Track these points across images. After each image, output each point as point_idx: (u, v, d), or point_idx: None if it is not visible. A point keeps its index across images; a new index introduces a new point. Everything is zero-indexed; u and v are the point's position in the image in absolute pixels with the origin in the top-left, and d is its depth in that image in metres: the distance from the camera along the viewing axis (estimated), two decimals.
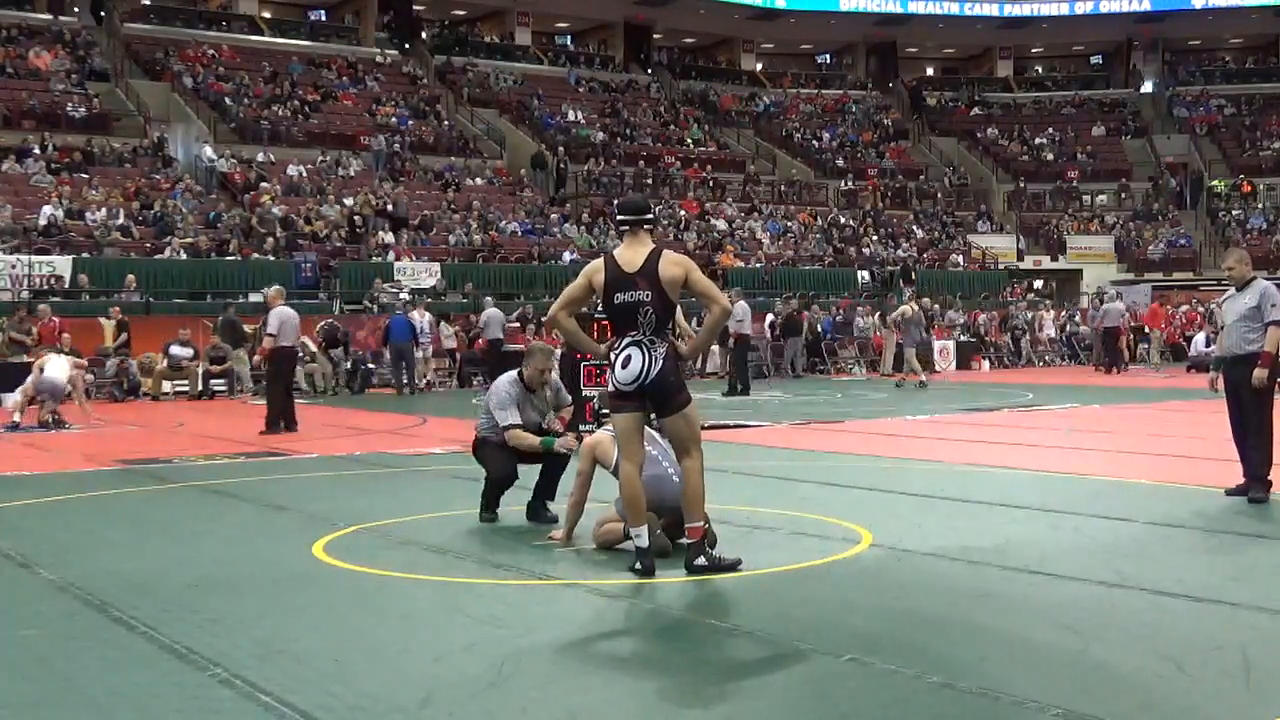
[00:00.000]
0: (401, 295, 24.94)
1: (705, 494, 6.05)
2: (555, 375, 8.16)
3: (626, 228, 6.21)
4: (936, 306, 28.21)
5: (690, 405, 6.09)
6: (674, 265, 6.01)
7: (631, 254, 6.08)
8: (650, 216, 6.35)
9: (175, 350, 20.29)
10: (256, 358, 19.18)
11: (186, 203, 27.28)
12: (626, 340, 6.02)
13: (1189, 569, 6.05)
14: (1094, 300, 31.58)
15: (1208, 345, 24.39)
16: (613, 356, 6.09)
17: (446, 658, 4.61)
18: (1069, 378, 24.70)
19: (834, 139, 44.20)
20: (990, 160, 45.30)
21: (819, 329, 27.18)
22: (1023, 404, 17.48)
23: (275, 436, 13.64)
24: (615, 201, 31.90)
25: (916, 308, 22.77)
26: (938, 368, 26.75)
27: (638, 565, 5.93)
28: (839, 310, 29.30)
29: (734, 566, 5.99)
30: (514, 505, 8.21)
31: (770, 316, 26.06)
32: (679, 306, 6.57)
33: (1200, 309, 30.88)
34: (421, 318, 22.18)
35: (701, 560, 5.95)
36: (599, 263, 6.21)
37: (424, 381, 22.22)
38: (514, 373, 7.83)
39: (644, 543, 5.97)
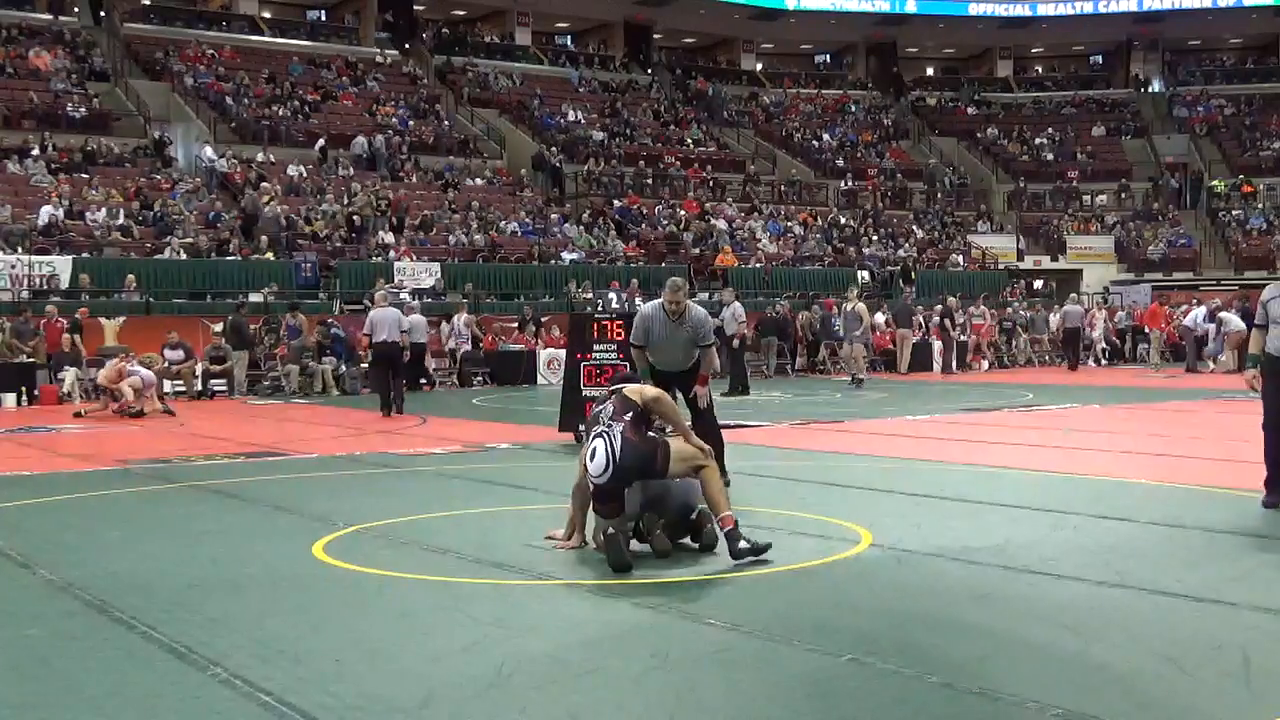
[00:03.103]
0: (403, 295, 24.93)
1: (725, 491, 6.39)
2: (698, 310, 8.97)
3: None
4: (954, 302, 28.14)
5: (673, 454, 6.29)
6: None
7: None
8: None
9: (168, 354, 20.32)
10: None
11: (186, 203, 27.28)
12: (592, 434, 6.36)
13: (1189, 569, 6.05)
14: (1056, 303, 32.47)
15: (1208, 321, 25.34)
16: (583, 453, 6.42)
17: (446, 658, 4.61)
18: (1056, 378, 24.71)
19: (834, 139, 44.21)
20: (990, 160, 45.29)
21: (831, 327, 27.17)
22: (1023, 404, 17.48)
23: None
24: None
25: (853, 306, 23.09)
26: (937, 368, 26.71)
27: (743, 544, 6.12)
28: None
29: (767, 548, 6.21)
30: (514, 506, 8.22)
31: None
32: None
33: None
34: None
35: (743, 544, 6.14)
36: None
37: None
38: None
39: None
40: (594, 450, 6.23)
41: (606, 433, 6.24)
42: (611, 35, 47.16)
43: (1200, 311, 26.21)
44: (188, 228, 25.92)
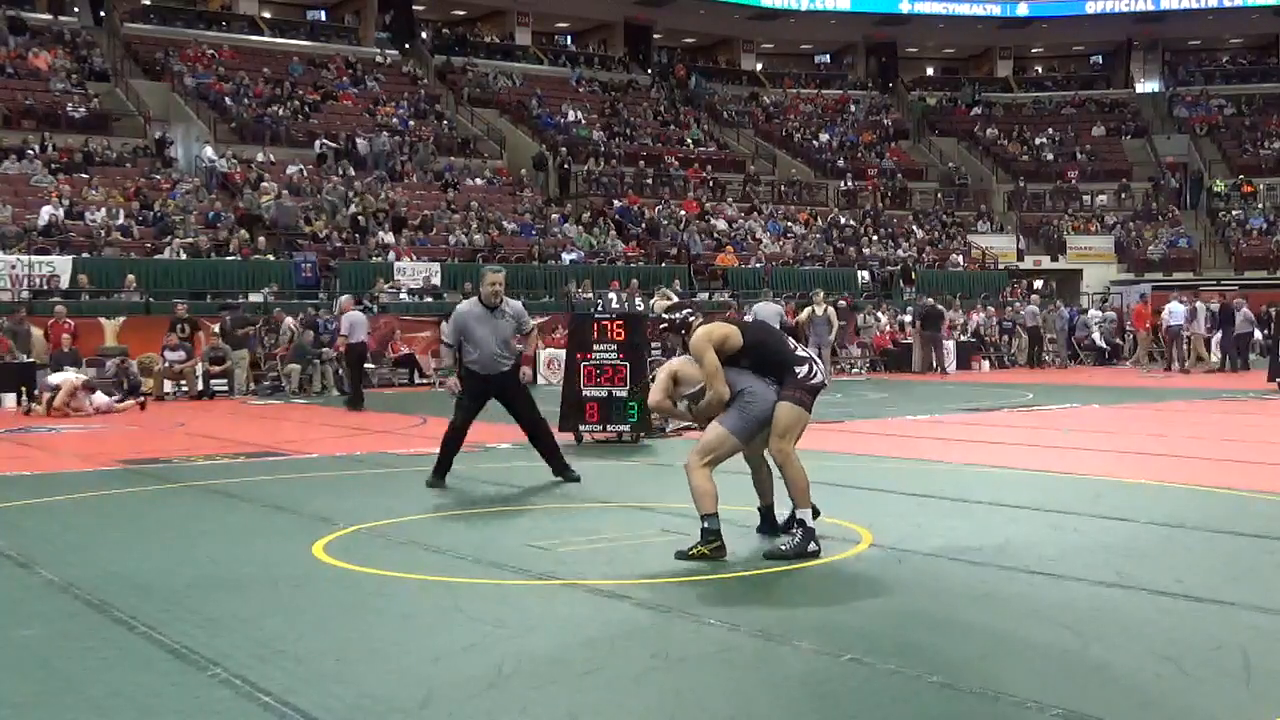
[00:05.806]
0: (403, 294, 24.93)
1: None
2: (517, 303, 9.60)
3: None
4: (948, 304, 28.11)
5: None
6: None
7: None
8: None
9: (168, 355, 20.31)
10: (333, 352, 21.29)
11: (186, 203, 27.28)
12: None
13: (1189, 569, 6.04)
14: (1020, 302, 32.34)
15: (1189, 319, 25.58)
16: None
17: (446, 658, 4.61)
18: (1056, 378, 24.71)
19: (834, 139, 44.21)
20: (990, 160, 45.30)
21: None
22: (1023, 404, 17.48)
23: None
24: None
25: (823, 310, 22.92)
26: (946, 367, 26.64)
27: (811, 547, 6.38)
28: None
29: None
30: (514, 506, 8.21)
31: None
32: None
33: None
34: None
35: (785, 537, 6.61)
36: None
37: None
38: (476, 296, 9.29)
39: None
40: (812, 362, 6.74)
41: (813, 358, 6.85)
42: (611, 35, 47.18)
43: (1177, 307, 26.08)
44: (188, 228, 25.92)
